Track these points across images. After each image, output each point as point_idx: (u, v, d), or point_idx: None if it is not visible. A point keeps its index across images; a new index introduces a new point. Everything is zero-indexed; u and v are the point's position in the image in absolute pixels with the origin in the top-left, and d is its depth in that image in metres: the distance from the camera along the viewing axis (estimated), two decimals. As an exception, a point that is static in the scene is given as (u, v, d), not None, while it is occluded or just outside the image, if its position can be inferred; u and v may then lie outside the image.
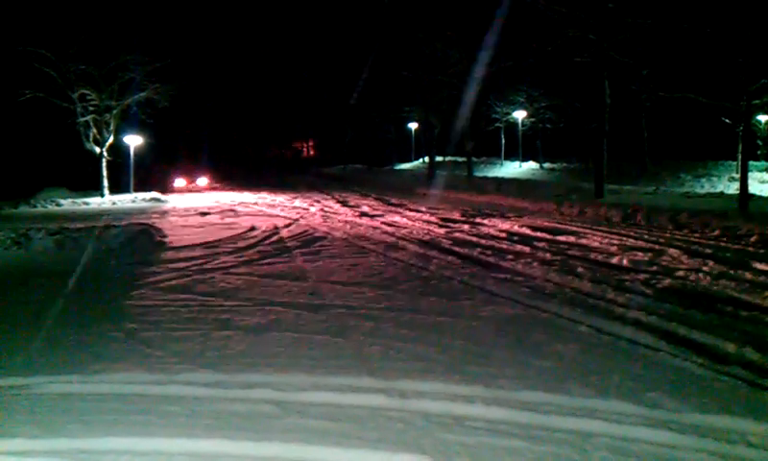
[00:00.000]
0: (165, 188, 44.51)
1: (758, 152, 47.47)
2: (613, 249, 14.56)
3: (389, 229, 19.19)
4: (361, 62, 63.45)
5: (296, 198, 33.51)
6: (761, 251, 14.06)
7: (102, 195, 35.73)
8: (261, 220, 23.00)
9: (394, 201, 30.13)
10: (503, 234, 17.42)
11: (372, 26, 57.17)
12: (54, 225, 19.84)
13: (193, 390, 6.61)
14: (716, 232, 16.74)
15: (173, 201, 34.86)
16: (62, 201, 33.27)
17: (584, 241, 15.81)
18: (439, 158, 57.55)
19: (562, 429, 5.53)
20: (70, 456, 5.27)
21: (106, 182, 36.36)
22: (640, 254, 13.86)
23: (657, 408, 5.92)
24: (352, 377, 6.84)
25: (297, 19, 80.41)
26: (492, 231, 18.05)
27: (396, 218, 22.24)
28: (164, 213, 27.30)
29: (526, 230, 18.05)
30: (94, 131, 36.35)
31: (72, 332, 8.79)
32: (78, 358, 7.68)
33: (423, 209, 25.19)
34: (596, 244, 15.33)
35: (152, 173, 48.27)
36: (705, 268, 12.11)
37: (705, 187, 35.53)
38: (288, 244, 16.83)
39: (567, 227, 18.73)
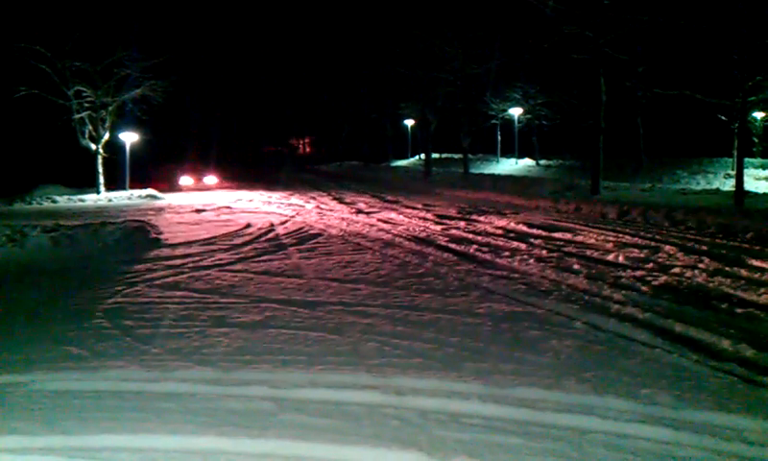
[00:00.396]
0: (173, 187, 43.05)
1: (754, 149, 47.52)
2: (609, 246, 14.58)
3: (385, 226, 19.19)
4: (358, 60, 63.52)
5: (292, 195, 33.48)
6: (757, 247, 14.09)
7: (98, 192, 35.65)
8: (257, 217, 22.98)
9: (390, 198, 30.11)
10: (499, 231, 17.43)
11: (369, 23, 57.21)
12: (49, 222, 19.80)
13: (189, 387, 6.61)
14: (712, 229, 16.77)
15: (170, 198, 34.78)
16: (58, 198, 33.19)
17: (580, 238, 15.82)
18: (435, 155, 57.60)
19: (558, 426, 5.54)
20: (67, 453, 5.27)
21: (101, 179, 36.28)
22: (636, 250, 13.88)
23: (653, 405, 5.93)
24: (349, 374, 6.85)
25: (293, 16, 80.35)
26: (488, 228, 18.05)
27: (393, 215, 22.23)
28: (160, 210, 27.25)
29: (522, 227, 18.06)
30: (90, 127, 36.24)
31: (68, 329, 8.78)
32: (74, 355, 7.67)
33: (419, 206, 25.18)
34: (592, 241, 15.35)
35: (157, 171, 47.20)
36: (700, 265, 12.13)
37: (700, 184, 35.58)
38: (284, 241, 16.82)
39: (563, 223, 18.74)
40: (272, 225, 20.30)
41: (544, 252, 14.01)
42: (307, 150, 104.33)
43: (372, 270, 12.56)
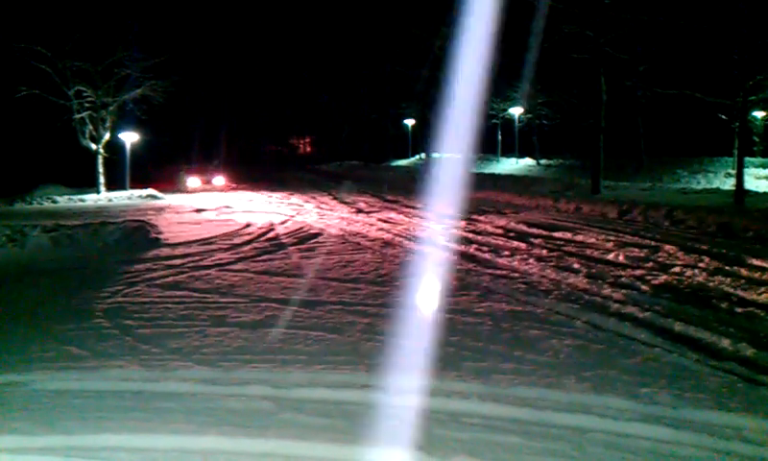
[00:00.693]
0: (180, 188, 40.99)
1: (754, 148, 47.49)
2: (609, 245, 14.58)
3: (385, 225, 19.19)
4: (358, 60, 63.50)
5: (292, 194, 33.47)
6: (757, 246, 14.09)
7: (98, 192, 35.64)
8: (257, 217, 22.98)
9: (390, 197, 30.10)
10: (499, 231, 17.43)
11: (369, 22, 57.18)
12: (50, 222, 19.79)
13: (189, 386, 6.61)
14: (712, 228, 16.77)
15: (170, 198, 34.77)
16: (58, 198, 33.18)
17: (580, 237, 15.82)
18: (435, 155, 57.55)
19: (558, 425, 5.54)
20: (66, 453, 5.27)
21: (102, 179, 36.27)
22: (636, 250, 13.87)
23: (652, 404, 5.93)
24: (348, 374, 6.85)
25: (294, 15, 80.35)
26: (488, 228, 18.05)
27: (392, 215, 22.22)
28: (160, 210, 27.25)
29: (522, 227, 18.06)
30: (90, 128, 36.22)
31: (68, 329, 8.78)
32: (74, 355, 7.67)
33: (419, 206, 25.16)
34: (592, 240, 15.34)
35: (162, 172, 46.21)
36: (700, 264, 12.13)
37: (701, 183, 35.53)
38: (284, 241, 16.82)
39: (564, 223, 18.73)
40: (272, 224, 20.30)
41: (544, 251, 14.01)
42: (308, 150, 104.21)
43: (372, 269, 12.57)
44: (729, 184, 31.06)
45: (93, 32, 34.21)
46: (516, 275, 11.73)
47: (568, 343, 7.69)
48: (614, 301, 9.67)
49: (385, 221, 20.30)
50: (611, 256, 13.11)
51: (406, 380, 6.60)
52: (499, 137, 60.58)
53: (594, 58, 27.77)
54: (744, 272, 11.41)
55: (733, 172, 29.34)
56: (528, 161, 57.35)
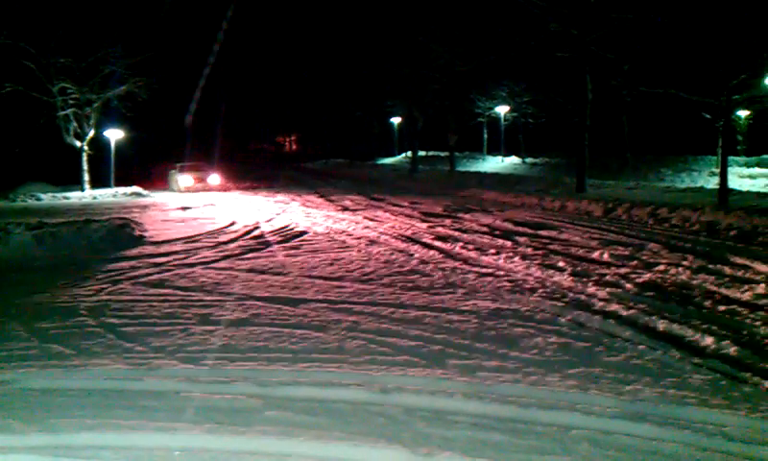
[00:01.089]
0: (172, 188, 39.04)
1: (738, 147, 47.84)
2: (594, 243, 14.64)
3: (371, 223, 19.18)
4: (345, 57, 63.43)
5: (278, 193, 33.42)
6: (740, 245, 14.17)
7: (82, 189, 35.47)
8: (242, 215, 22.93)
9: (376, 195, 30.10)
10: (485, 229, 17.46)
11: (356, 21, 57.15)
12: (33, 219, 19.67)
13: (173, 384, 6.59)
14: (696, 227, 16.86)
15: (156, 196, 34.64)
16: (42, 195, 33.02)
17: (565, 236, 15.87)
18: (421, 153, 57.63)
19: (542, 423, 5.55)
20: (50, 452, 5.24)
21: (86, 177, 36.09)
22: (621, 248, 13.93)
23: (636, 401, 5.96)
24: (334, 372, 6.84)
25: (279, 14, 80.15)
26: (473, 226, 18.08)
27: (379, 213, 22.23)
28: (145, 208, 27.15)
29: (508, 225, 18.10)
30: (75, 124, 36.04)
31: (52, 327, 8.73)
32: (58, 353, 7.63)
33: (405, 204, 25.17)
34: (577, 239, 15.40)
35: (152, 170, 45.05)
36: (684, 262, 12.19)
37: (685, 182, 35.75)
38: (269, 239, 16.80)
39: (549, 221, 18.80)
40: (257, 222, 20.26)
41: (529, 249, 14.05)
42: (293, 147, 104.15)
43: (358, 267, 12.56)
44: (712, 183, 31.22)
45: (78, 28, 34.02)
46: (502, 273, 11.75)
47: (553, 341, 7.71)
48: (599, 299, 9.71)
49: (371, 219, 20.29)
50: (595, 255, 13.15)
51: (391, 378, 6.60)
52: (485, 136, 60.76)
53: (580, 56, 27.86)
54: (727, 270, 11.47)
55: (717, 171, 29.53)
56: (514, 160, 57.60)
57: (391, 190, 33.59)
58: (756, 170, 39.80)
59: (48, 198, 32.67)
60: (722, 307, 9.08)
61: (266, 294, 10.53)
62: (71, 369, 7.14)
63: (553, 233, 16.25)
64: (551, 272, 11.66)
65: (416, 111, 48.63)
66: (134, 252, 15.11)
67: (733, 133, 45.56)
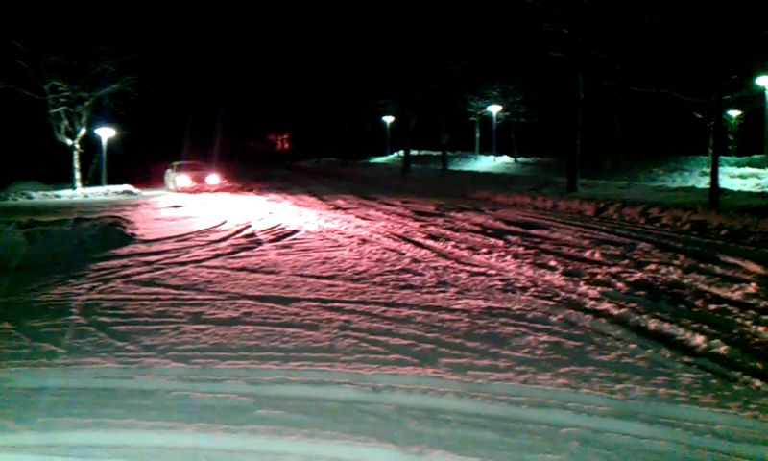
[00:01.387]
0: (169, 187, 37.51)
1: (729, 147, 47.95)
2: (586, 242, 14.67)
3: (363, 222, 19.18)
4: (337, 56, 63.38)
5: (270, 191, 33.39)
6: (731, 244, 14.22)
7: (74, 188, 35.38)
8: (233, 213, 22.90)
9: (368, 194, 30.09)
10: (477, 228, 17.48)
11: (348, 20, 57.12)
12: (24, 218, 19.60)
13: (165, 383, 6.58)
14: (687, 226, 16.91)
15: (147, 194, 34.56)
16: (34, 193, 32.93)
17: (556, 235, 15.90)
18: (414, 152, 57.64)
19: (533, 421, 5.56)
20: (41, 450, 5.23)
21: (77, 175, 36.00)
22: (612, 247, 13.97)
23: (627, 400, 5.98)
24: (325, 370, 6.84)
25: (271, 12, 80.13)
26: (465, 225, 18.10)
27: (371, 212, 22.23)
28: (136, 206, 27.10)
29: (500, 224, 18.13)
30: (66, 123, 35.93)
31: (42, 325, 8.72)
32: (48, 351, 7.61)
33: (398, 203, 25.17)
34: (569, 238, 15.43)
35: (148, 169, 44.08)
36: (675, 261, 12.23)
37: (676, 182, 35.77)
38: (261, 237, 16.78)
39: (541, 220, 18.83)
40: (249, 221, 20.24)
41: (521, 248, 14.07)
42: (285, 146, 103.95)
43: (350, 266, 12.56)
44: (704, 183, 31.28)
45: (69, 26, 33.92)
46: (494, 272, 11.77)
47: (544, 340, 7.73)
48: (590, 298, 9.73)
49: (363, 218, 20.29)
50: (587, 254, 13.19)
51: (383, 377, 6.61)
52: (477, 135, 60.80)
53: (571, 56, 27.89)
54: (718, 269, 11.51)
55: (708, 170, 29.58)
56: (506, 159, 57.61)
57: (383, 189, 33.59)
58: (747, 170, 39.81)
59: (39, 196, 32.58)
60: (712, 306, 9.11)
61: (258, 292, 10.53)
62: (62, 367, 7.12)
63: (545, 233, 16.29)
64: (543, 271, 11.68)
65: (408, 111, 48.62)
66: (126, 250, 15.08)
67: (725, 132, 45.67)
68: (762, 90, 37.17)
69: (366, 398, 6.12)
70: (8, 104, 36.63)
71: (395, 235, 16.40)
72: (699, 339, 7.59)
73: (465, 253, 13.78)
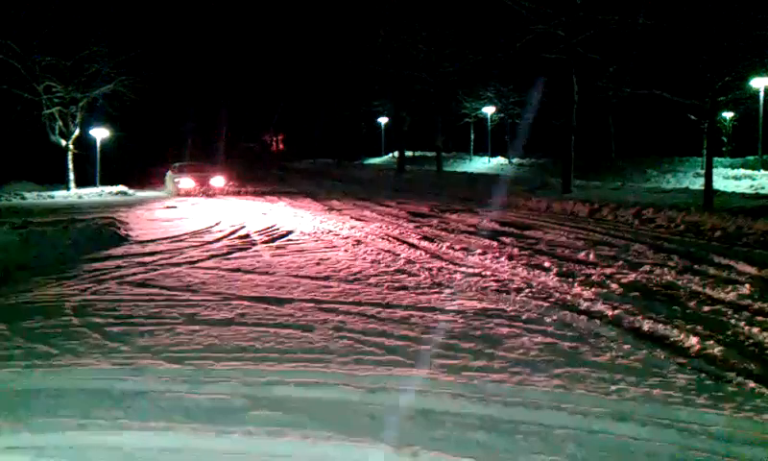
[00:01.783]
0: (171, 190, 35.08)
1: (723, 148, 48.13)
2: (580, 243, 14.69)
3: (357, 223, 19.17)
4: (332, 57, 63.34)
5: (264, 192, 33.35)
6: (725, 246, 14.25)
7: (68, 188, 35.29)
8: (228, 214, 22.87)
9: (363, 195, 30.07)
10: (471, 229, 17.49)
11: (343, 20, 57.08)
12: (18, 218, 19.56)
13: (159, 384, 6.57)
14: (681, 228, 16.93)
15: (142, 195, 34.49)
16: (27, 194, 32.84)
17: (551, 236, 15.92)
18: (408, 153, 57.67)
19: (528, 422, 5.57)
20: (35, 452, 5.21)
21: (72, 176, 35.91)
22: (606, 248, 13.99)
23: (622, 401, 5.99)
24: (320, 372, 6.84)
25: (266, 12, 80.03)
26: (460, 226, 18.11)
27: (365, 213, 22.22)
28: (131, 206, 27.05)
29: (494, 225, 18.14)
30: (60, 123, 35.85)
31: (36, 327, 8.69)
32: (42, 353, 7.59)
33: (392, 204, 25.16)
34: (563, 239, 15.45)
35: (148, 171, 43.35)
36: (669, 263, 12.26)
37: (670, 183, 35.90)
38: (255, 238, 16.76)
39: (535, 221, 18.84)
40: (243, 222, 20.22)
41: (516, 249, 14.08)
42: (280, 147, 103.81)
43: (345, 267, 12.55)
44: (698, 184, 31.38)
45: (63, 26, 33.84)
46: (488, 273, 11.77)
47: (539, 340, 7.74)
48: (585, 299, 9.74)
49: (358, 219, 20.28)
50: (581, 255, 13.20)
51: (378, 378, 6.60)
52: (472, 136, 60.85)
53: (566, 58, 27.93)
54: (712, 271, 11.54)
55: (703, 172, 29.66)
56: (500, 160, 57.70)
57: (377, 190, 33.58)
58: (741, 171, 39.98)
59: (33, 197, 32.49)
60: (706, 308, 9.13)
61: (252, 293, 10.52)
62: (56, 368, 7.10)
63: (539, 234, 16.30)
64: (537, 272, 11.69)
65: (402, 112, 48.64)
66: (120, 251, 15.05)
67: (719, 134, 45.88)
68: (756, 92, 37.29)
69: (360, 399, 6.12)
70: (1, 104, 36.52)
71: (389, 236, 16.40)
72: (693, 340, 7.60)
73: (459, 254, 13.78)
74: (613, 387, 6.28)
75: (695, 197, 23.66)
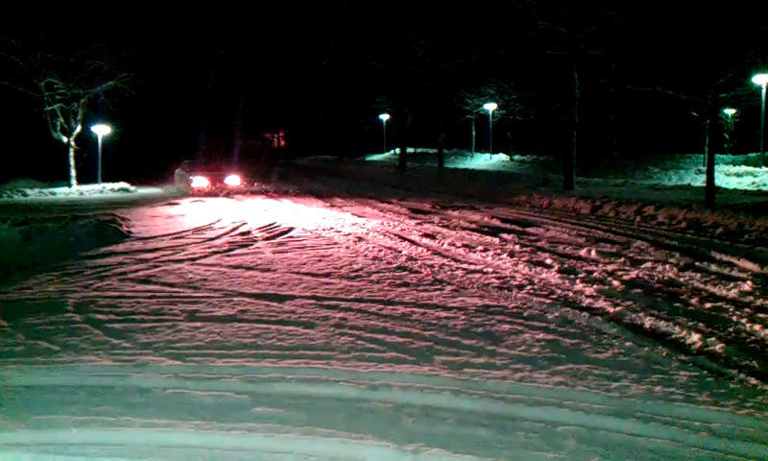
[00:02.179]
0: (182, 189, 33.62)
1: (725, 145, 48.04)
2: (582, 240, 14.68)
3: (359, 220, 19.16)
4: (333, 53, 63.27)
5: (266, 189, 33.33)
6: (726, 242, 14.24)
7: (69, 185, 35.28)
8: (229, 211, 22.87)
9: (364, 192, 30.06)
10: (473, 226, 17.48)
11: (344, 17, 56.98)
12: (20, 215, 19.57)
13: (161, 381, 6.56)
14: (683, 225, 16.92)
15: (142, 191, 34.48)
16: (29, 191, 32.83)
17: (553, 233, 15.91)
18: (410, 150, 57.61)
19: (530, 419, 5.56)
20: (36, 449, 5.21)
21: (73, 173, 35.89)
22: (608, 245, 13.98)
23: (623, 398, 5.98)
24: (321, 368, 6.83)
25: (268, 9, 79.96)
26: (461, 223, 18.10)
27: (367, 209, 22.22)
28: (133, 203, 27.06)
29: (496, 222, 18.13)
30: (61, 120, 35.83)
31: (38, 323, 8.69)
32: (44, 349, 7.59)
33: (394, 201, 25.17)
34: (565, 236, 15.44)
35: (159, 169, 42.64)
36: (671, 259, 12.25)
37: (672, 180, 35.86)
38: (257, 235, 16.76)
39: (537, 218, 18.84)
40: (244, 219, 20.22)
41: (517, 246, 14.07)
42: (282, 144, 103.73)
43: (346, 264, 12.55)
44: (699, 181, 31.37)
45: (64, 22, 33.81)
46: (490, 270, 11.77)
47: (541, 337, 7.74)
48: (586, 296, 9.74)
49: (359, 216, 20.28)
50: (583, 252, 13.19)
51: (379, 374, 6.60)
52: (474, 133, 60.81)
53: (568, 54, 27.90)
54: (714, 267, 11.54)
55: (704, 169, 29.64)
56: (502, 157, 57.65)
57: (379, 187, 33.58)
58: (743, 168, 39.91)
59: (35, 193, 32.49)
60: (708, 305, 9.13)
61: (254, 290, 10.51)
62: (58, 365, 7.10)
63: (541, 230, 16.30)
64: (539, 269, 11.69)
65: (404, 109, 48.56)
66: (122, 247, 15.06)
67: (720, 131, 45.76)
68: (758, 89, 37.24)
69: (362, 395, 6.12)
70: (3, 101, 36.51)
71: (391, 233, 16.39)
72: (695, 337, 7.60)
73: (461, 250, 13.78)
74: (615, 384, 6.28)
75: (697, 194, 23.65)
